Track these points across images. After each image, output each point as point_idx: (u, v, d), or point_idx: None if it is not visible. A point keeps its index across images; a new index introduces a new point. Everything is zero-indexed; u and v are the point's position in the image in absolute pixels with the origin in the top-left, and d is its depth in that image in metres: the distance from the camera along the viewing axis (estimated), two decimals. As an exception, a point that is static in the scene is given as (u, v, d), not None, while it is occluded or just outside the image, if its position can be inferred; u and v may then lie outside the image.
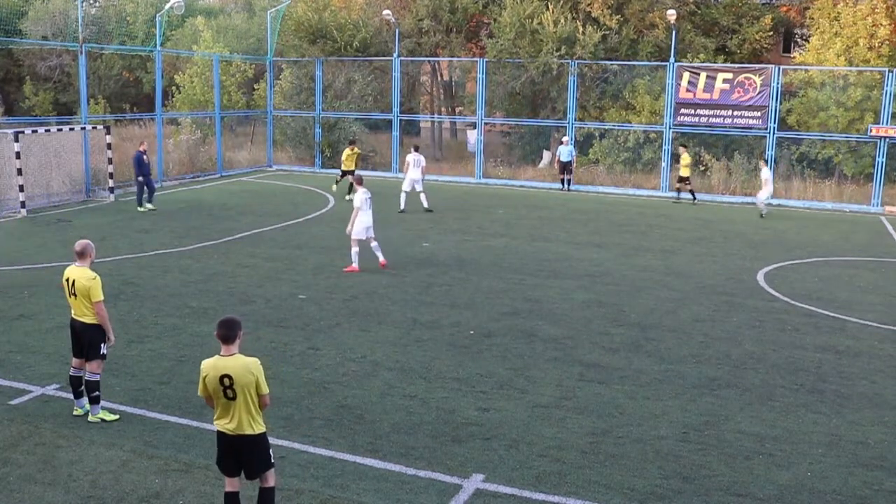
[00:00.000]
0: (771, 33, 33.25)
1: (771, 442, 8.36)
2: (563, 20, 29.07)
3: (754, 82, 26.81)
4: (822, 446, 8.30)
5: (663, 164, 28.39)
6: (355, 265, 15.27)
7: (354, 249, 15.29)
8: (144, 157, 21.90)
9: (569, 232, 20.24)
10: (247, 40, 41.53)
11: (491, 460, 7.81)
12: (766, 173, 23.83)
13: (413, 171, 22.37)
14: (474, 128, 33.24)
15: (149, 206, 21.87)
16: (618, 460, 7.87)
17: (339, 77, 33.21)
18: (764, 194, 23.62)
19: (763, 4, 34.49)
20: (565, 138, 28.47)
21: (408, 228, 20.13)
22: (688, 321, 12.67)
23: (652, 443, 8.27)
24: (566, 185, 28.58)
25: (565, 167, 28.28)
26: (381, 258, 15.49)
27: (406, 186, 22.48)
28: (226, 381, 5.95)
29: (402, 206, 22.28)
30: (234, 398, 5.98)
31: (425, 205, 22.44)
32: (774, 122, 26.84)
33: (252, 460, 6.16)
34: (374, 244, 15.43)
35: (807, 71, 28.54)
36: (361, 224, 15.18)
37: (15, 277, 14.48)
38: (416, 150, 23.06)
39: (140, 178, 21.76)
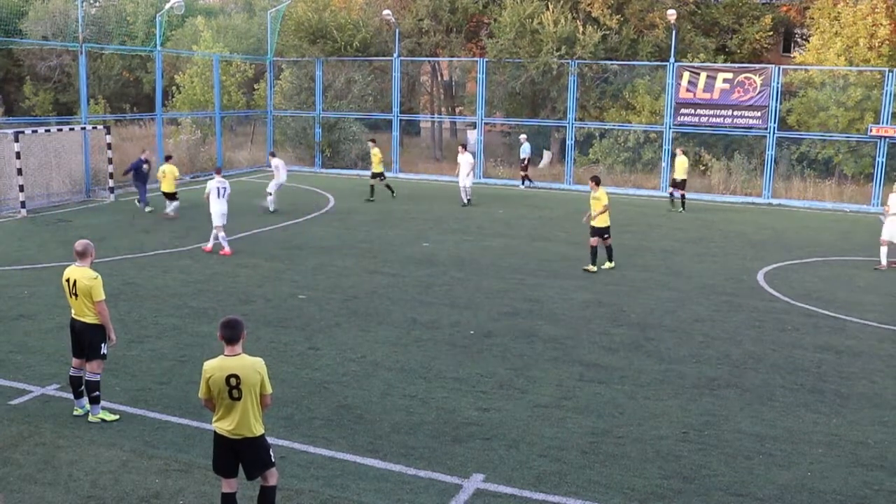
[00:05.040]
0: (771, 33, 33.26)
1: (771, 442, 8.36)
2: (563, 20, 29.07)
3: (754, 82, 26.81)
4: (822, 446, 8.30)
5: (663, 164, 28.40)
6: (226, 249, 16.46)
7: (220, 234, 16.52)
8: (146, 165, 22.50)
9: (569, 232, 20.22)
10: (247, 40, 41.53)
11: (491, 460, 7.81)
12: (275, 161, 22.51)
13: (465, 170, 23.90)
14: (474, 128, 33.23)
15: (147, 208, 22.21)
16: (618, 460, 7.87)
17: (339, 77, 33.21)
18: (273, 185, 22.11)
19: (763, 4, 34.46)
20: (522, 136, 28.58)
21: (408, 228, 20.13)
22: (688, 321, 12.67)
23: (652, 443, 8.27)
24: (527, 183, 28.81)
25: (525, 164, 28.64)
26: (224, 248, 16.49)
27: (461, 182, 24.20)
28: (232, 380, 5.95)
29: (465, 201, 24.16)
30: (239, 398, 5.98)
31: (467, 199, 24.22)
32: (774, 122, 26.84)
33: (253, 461, 6.16)
34: (221, 234, 16.55)
35: (807, 71, 28.52)
36: (214, 211, 16.50)
37: (15, 277, 14.48)
38: (465, 147, 24.66)
39: (141, 183, 22.45)
